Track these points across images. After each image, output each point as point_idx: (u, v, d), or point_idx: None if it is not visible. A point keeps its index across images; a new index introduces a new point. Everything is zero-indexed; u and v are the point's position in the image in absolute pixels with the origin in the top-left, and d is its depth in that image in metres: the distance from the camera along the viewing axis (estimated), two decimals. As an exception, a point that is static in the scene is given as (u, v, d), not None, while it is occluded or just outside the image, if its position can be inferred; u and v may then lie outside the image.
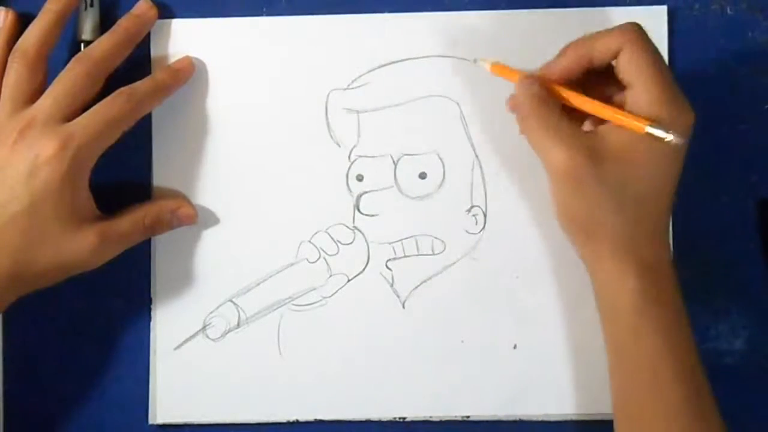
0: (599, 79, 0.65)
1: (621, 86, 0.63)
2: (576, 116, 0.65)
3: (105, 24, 0.70)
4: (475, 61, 0.69)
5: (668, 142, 0.60)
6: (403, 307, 0.71)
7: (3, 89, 0.67)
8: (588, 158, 0.62)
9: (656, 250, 0.63)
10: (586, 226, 0.63)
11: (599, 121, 0.64)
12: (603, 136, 0.63)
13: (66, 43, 0.71)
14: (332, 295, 0.71)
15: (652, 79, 0.61)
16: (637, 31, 0.62)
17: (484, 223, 0.71)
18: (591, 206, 0.62)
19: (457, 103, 0.71)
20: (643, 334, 0.62)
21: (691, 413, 0.61)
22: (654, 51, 0.62)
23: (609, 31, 0.63)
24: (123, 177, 0.71)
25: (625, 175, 0.62)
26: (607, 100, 0.64)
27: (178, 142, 0.71)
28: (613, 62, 0.63)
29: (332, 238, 0.71)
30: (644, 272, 0.62)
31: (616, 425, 0.64)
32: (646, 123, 0.61)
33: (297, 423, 0.71)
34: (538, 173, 0.70)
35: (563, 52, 0.65)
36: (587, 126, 0.66)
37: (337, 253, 0.71)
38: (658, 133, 0.60)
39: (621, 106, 0.63)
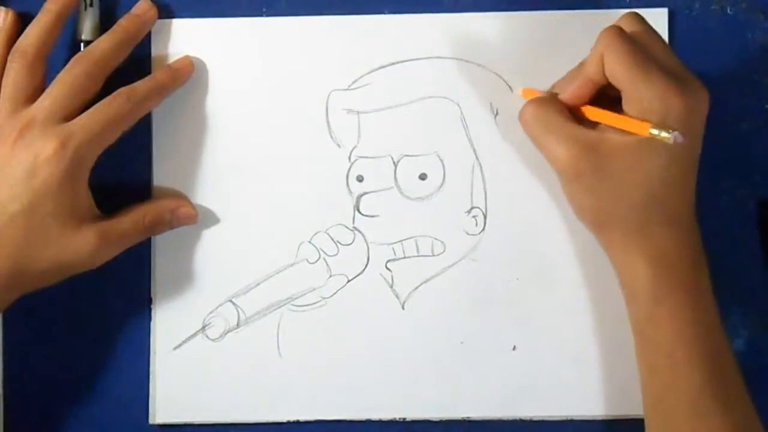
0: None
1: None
2: (580, 118, 0.65)
3: (105, 24, 0.70)
4: (510, 90, 0.71)
5: (671, 137, 0.60)
6: (403, 308, 0.71)
7: (2, 89, 0.67)
8: (589, 152, 0.62)
9: (675, 235, 0.63)
10: (597, 217, 0.64)
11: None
12: (604, 131, 0.63)
13: (66, 43, 0.71)
14: (332, 295, 0.71)
15: (637, 78, 0.61)
16: (610, 35, 0.62)
17: (484, 224, 0.71)
18: (598, 198, 0.63)
19: (458, 104, 0.71)
20: (660, 321, 0.62)
21: (714, 396, 0.62)
22: (632, 48, 0.62)
23: (594, 45, 0.63)
24: (123, 177, 0.71)
25: (627, 165, 0.62)
26: (615, 104, 0.64)
27: (178, 142, 0.71)
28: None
29: (332, 239, 0.71)
30: (658, 259, 0.62)
31: (645, 406, 0.65)
32: (648, 126, 0.61)
33: (297, 423, 0.71)
34: (538, 174, 0.70)
35: (567, 80, 0.66)
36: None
37: (337, 253, 0.71)
38: (661, 134, 0.60)
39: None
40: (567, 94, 0.65)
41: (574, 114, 0.65)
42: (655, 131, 0.60)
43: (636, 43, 0.63)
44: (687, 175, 0.64)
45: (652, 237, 0.63)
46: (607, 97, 0.65)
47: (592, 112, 0.65)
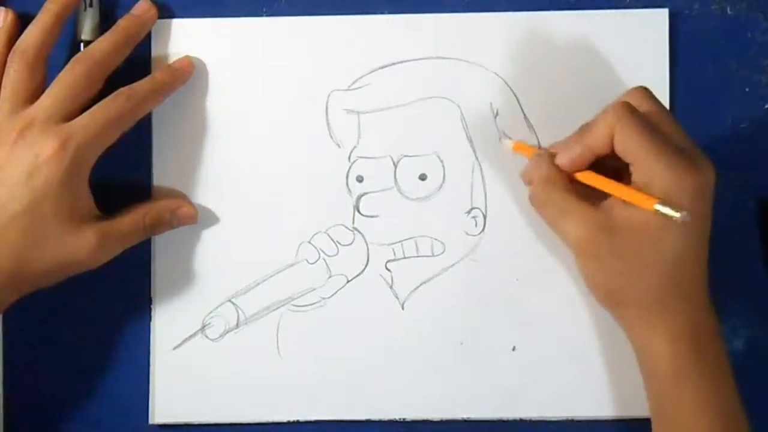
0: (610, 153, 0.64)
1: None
2: (587, 189, 0.65)
3: (105, 24, 0.70)
4: (499, 139, 0.70)
5: (678, 219, 0.59)
6: (403, 308, 0.71)
7: (2, 89, 0.67)
8: (601, 231, 0.62)
9: (692, 312, 0.62)
10: (612, 295, 0.64)
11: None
12: (613, 209, 0.63)
13: (66, 43, 0.71)
14: (331, 295, 0.71)
15: (649, 156, 0.61)
16: (622, 110, 0.62)
17: (484, 224, 0.71)
18: (612, 277, 0.63)
19: (458, 105, 0.71)
20: (681, 398, 0.62)
21: None
22: (644, 125, 0.62)
23: (601, 117, 0.63)
24: (123, 177, 0.71)
25: (642, 245, 0.62)
26: (619, 174, 0.64)
27: (178, 142, 0.71)
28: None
29: (332, 239, 0.71)
30: (678, 337, 0.62)
31: None
32: (654, 201, 0.60)
33: (297, 423, 0.71)
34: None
35: (568, 146, 0.65)
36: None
37: (337, 254, 0.71)
38: (667, 211, 0.59)
39: (629, 181, 0.63)
40: (566, 160, 0.65)
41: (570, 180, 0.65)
42: (659, 207, 0.59)
43: (648, 119, 0.62)
44: (700, 252, 0.63)
45: (670, 315, 0.62)
46: (602, 164, 0.64)
47: (596, 180, 0.64)
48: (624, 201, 0.62)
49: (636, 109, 0.63)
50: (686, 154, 0.62)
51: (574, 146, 0.64)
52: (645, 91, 0.65)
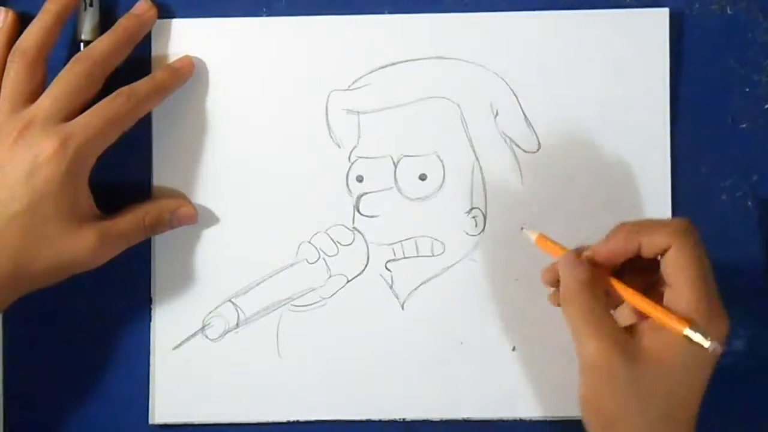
0: (643, 263, 0.63)
1: (663, 279, 0.62)
2: (614, 299, 0.63)
3: (105, 24, 0.70)
4: (521, 229, 0.70)
5: (704, 348, 0.58)
6: (403, 308, 0.71)
7: (2, 89, 0.67)
8: (623, 355, 0.60)
9: None
10: (609, 419, 0.61)
11: (636, 310, 0.62)
12: (641, 335, 0.61)
13: (66, 43, 0.71)
14: (331, 295, 0.71)
15: (695, 284, 0.60)
16: (687, 231, 0.60)
17: (484, 225, 0.71)
18: (619, 403, 0.60)
19: (458, 105, 0.71)
20: None
21: None
22: (701, 255, 0.60)
23: (661, 226, 0.61)
24: (123, 177, 0.71)
25: (657, 377, 0.60)
26: (647, 288, 0.62)
27: (178, 142, 0.71)
28: (659, 257, 0.61)
29: (332, 239, 0.71)
30: None
31: None
32: (685, 325, 0.59)
33: (297, 423, 0.71)
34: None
35: (613, 235, 0.62)
36: (623, 312, 0.64)
37: (337, 253, 0.71)
38: (697, 337, 0.58)
39: (660, 299, 0.61)
40: (605, 253, 0.62)
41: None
42: (690, 333, 0.58)
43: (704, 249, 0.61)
44: (700, 397, 0.61)
45: None
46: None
47: (627, 293, 0.62)
48: (651, 328, 0.60)
49: (697, 233, 0.61)
50: (719, 298, 0.61)
51: (621, 239, 0.62)
52: (693, 227, 0.62)
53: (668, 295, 0.61)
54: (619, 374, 0.59)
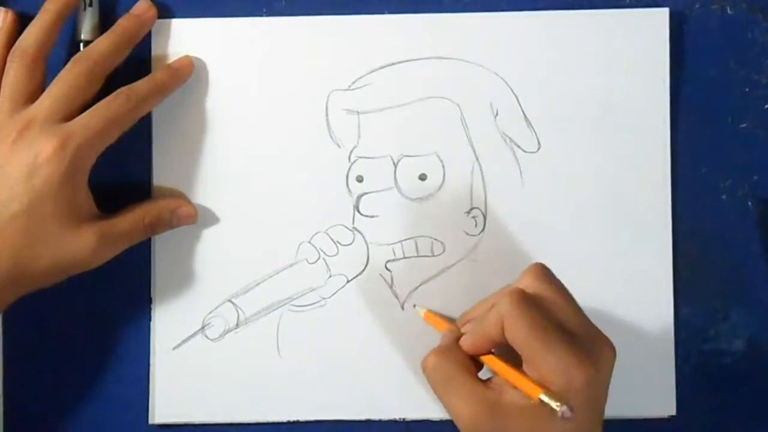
0: None
1: None
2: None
3: (104, 24, 0.70)
4: (414, 306, 0.70)
5: (559, 411, 0.57)
6: (403, 308, 0.71)
7: (2, 89, 0.67)
8: (486, 410, 0.59)
9: None
10: None
11: None
12: (504, 390, 0.60)
13: (66, 43, 0.71)
14: (331, 295, 0.71)
15: (537, 351, 0.59)
16: (511, 299, 0.60)
17: (484, 225, 0.71)
18: None
19: (458, 105, 0.71)
20: None
21: None
22: (533, 317, 0.59)
23: (495, 306, 0.61)
24: (123, 177, 0.71)
25: (526, 427, 0.59)
26: (517, 359, 0.61)
27: (178, 142, 0.71)
28: None
29: (332, 239, 0.71)
30: None
31: None
32: (539, 391, 0.58)
33: (297, 423, 0.71)
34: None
35: (471, 330, 0.63)
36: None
37: (337, 253, 0.71)
38: (550, 402, 0.57)
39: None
40: (468, 345, 0.63)
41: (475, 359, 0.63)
42: (545, 398, 0.57)
43: (538, 307, 0.60)
44: None
45: None
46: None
47: (491, 361, 0.62)
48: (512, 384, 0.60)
49: (527, 297, 0.60)
50: (579, 342, 0.59)
51: (475, 331, 0.63)
52: (541, 270, 0.63)
53: (525, 362, 0.60)
54: (488, 431, 0.59)
